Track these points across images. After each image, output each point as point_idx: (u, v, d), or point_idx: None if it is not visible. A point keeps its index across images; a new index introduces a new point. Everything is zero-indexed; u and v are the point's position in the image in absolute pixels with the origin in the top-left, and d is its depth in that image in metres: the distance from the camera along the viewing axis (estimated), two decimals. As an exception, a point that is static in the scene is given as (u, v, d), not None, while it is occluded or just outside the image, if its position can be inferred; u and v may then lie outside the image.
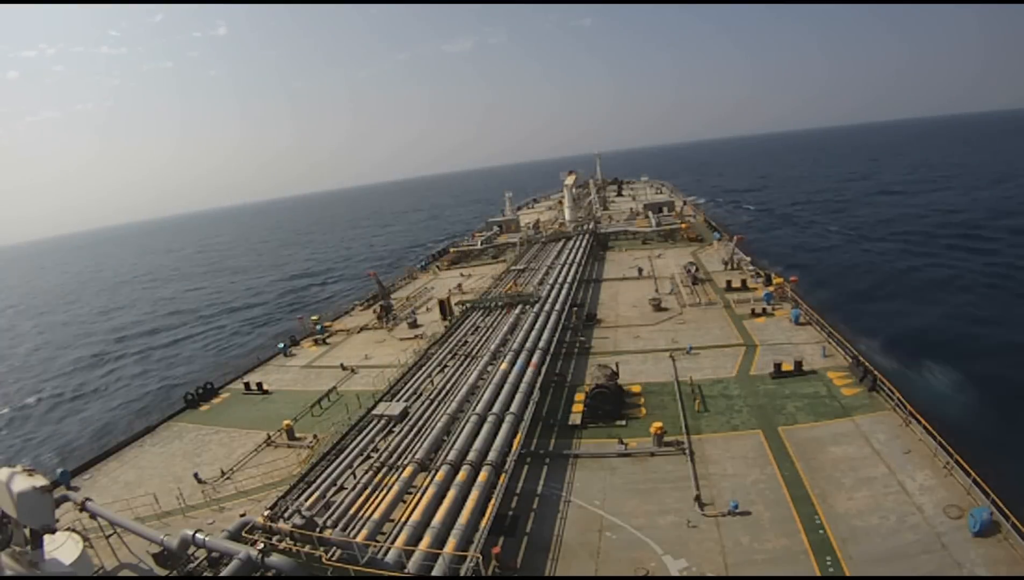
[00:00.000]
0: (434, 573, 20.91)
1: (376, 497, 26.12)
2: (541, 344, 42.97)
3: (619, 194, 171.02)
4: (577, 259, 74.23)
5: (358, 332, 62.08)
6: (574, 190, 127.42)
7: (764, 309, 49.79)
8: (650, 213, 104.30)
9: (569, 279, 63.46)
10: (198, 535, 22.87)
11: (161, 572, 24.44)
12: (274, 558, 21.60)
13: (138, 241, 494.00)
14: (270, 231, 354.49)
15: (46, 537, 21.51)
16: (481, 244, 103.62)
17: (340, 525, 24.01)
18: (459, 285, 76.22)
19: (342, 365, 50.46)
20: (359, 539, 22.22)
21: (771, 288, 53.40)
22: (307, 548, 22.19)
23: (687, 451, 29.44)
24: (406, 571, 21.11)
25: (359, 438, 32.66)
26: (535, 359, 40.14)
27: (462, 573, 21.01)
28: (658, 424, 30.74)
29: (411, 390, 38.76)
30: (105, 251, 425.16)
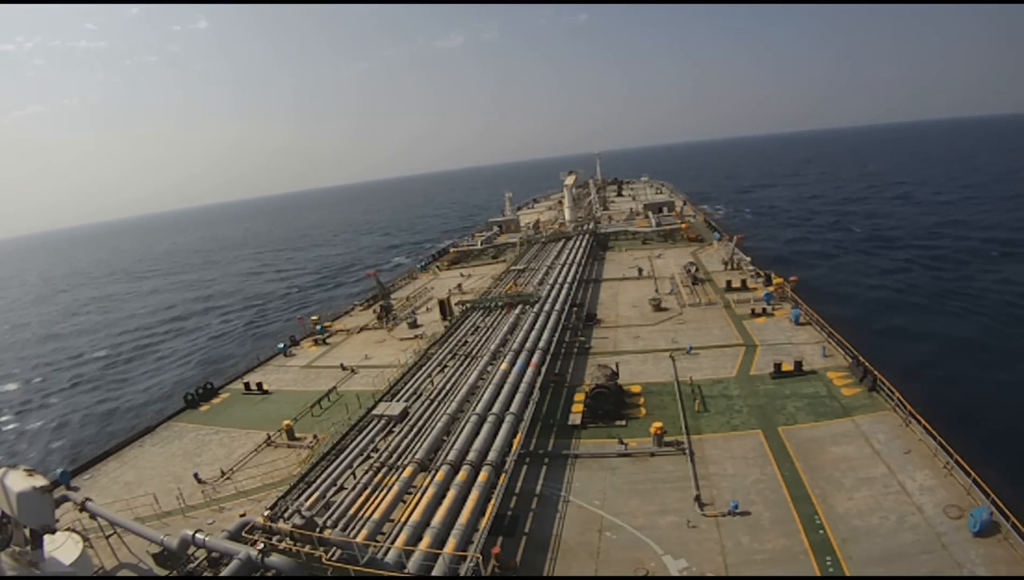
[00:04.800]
0: (434, 573, 20.92)
1: (376, 497, 26.11)
2: (541, 344, 42.95)
3: (619, 194, 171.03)
4: (577, 259, 74.23)
5: (358, 332, 62.08)
6: (574, 190, 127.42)
7: (764, 309, 49.79)
8: (650, 213, 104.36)
9: (569, 279, 63.45)
10: (198, 535, 22.89)
11: (161, 572, 24.45)
12: (274, 558, 21.63)
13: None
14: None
15: (46, 537, 21.54)
16: (481, 244, 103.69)
17: (340, 525, 24.00)
18: (459, 285, 76.23)
19: (342, 365, 50.45)
20: (359, 539, 22.23)
21: (771, 288, 53.39)
22: (307, 548, 22.16)
23: (687, 451, 29.43)
24: (406, 571, 21.11)
25: (359, 438, 32.65)
26: (535, 359, 40.12)
27: (462, 573, 21.01)
28: (658, 424, 30.74)
29: (411, 390, 38.75)
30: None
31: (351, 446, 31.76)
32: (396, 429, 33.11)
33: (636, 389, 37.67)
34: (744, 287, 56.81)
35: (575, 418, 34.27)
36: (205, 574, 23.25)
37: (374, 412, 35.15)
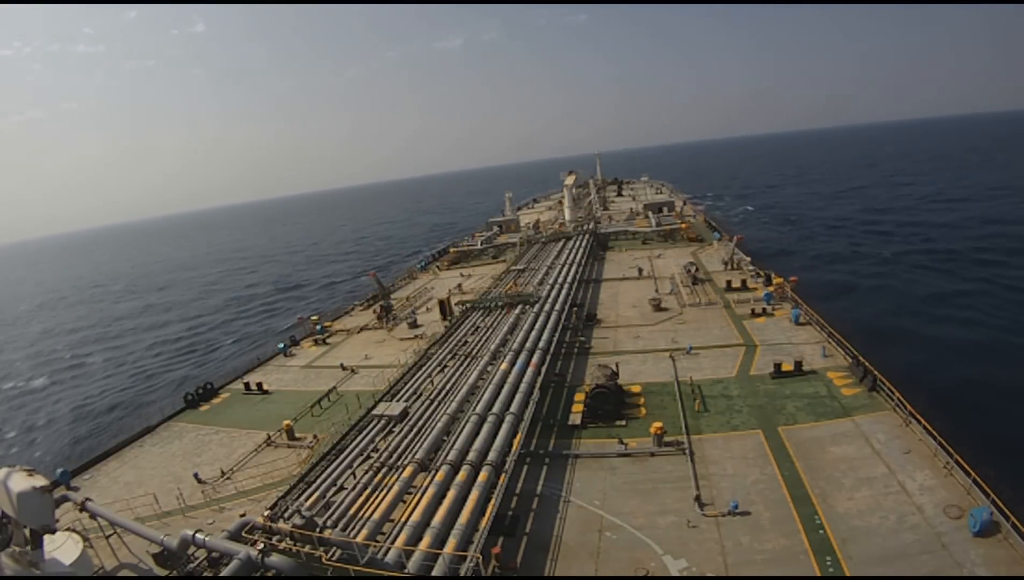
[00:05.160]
0: (434, 573, 20.92)
1: (376, 497, 26.11)
2: (541, 344, 42.94)
3: (619, 194, 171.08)
4: (577, 259, 74.22)
5: (358, 332, 62.08)
6: (574, 190, 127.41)
7: (764, 309, 49.79)
8: (650, 213, 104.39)
9: (569, 279, 63.44)
10: (198, 535, 22.88)
11: (161, 572, 24.45)
12: (274, 558, 21.62)
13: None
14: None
15: (46, 537, 21.51)
16: (481, 244, 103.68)
17: (340, 525, 24.01)
18: (459, 285, 76.24)
19: (342, 365, 50.45)
20: (359, 539, 22.23)
21: (771, 288, 53.40)
22: (307, 548, 22.20)
23: (687, 451, 29.43)
24: (406, 571, 21.11)
25: (359, 438, 32.66)
26: (535, 359, 40.11)
27: (462, 573, 21.00)
28: (658, 424, 30.74)
29: (411, 390, 38.75)
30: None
31: (351, 446, 31.77)
32: (396, 429, 33.10)
33: (636, 389, 37.67)
34: (744, 287, 56.81)
35: (575, 418, 34.27)
36: (205, 574, 23.25)
37: (374, 412, 35.15)
